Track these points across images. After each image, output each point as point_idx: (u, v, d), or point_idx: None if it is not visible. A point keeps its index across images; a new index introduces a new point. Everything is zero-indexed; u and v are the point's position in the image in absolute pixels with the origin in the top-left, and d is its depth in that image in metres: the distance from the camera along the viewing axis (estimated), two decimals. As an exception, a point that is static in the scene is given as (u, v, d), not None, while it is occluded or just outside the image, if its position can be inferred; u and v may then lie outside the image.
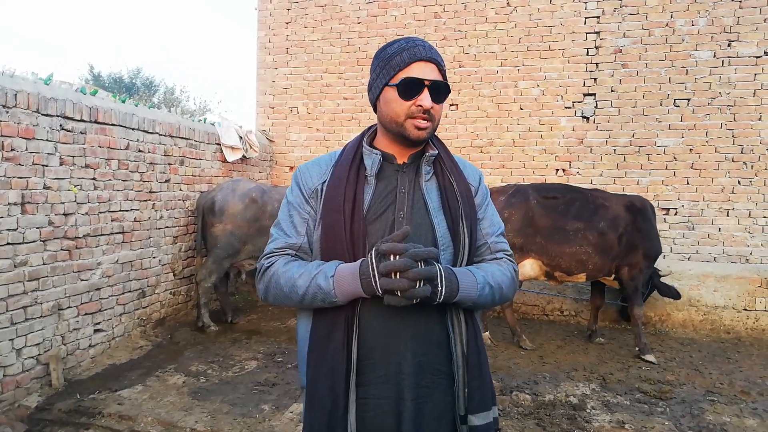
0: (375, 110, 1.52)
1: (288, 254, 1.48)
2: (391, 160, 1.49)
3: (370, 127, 1.58)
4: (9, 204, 3.62)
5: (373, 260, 1.29)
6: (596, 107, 6.49)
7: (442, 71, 1.45)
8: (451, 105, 6.87)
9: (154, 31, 52.58)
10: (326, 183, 1.47)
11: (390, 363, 1.39)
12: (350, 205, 1.40)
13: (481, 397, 1.43)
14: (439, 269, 1.31)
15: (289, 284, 1.40)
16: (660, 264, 5.77)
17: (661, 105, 6.30)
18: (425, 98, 1.39)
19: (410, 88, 1.39)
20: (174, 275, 5.51)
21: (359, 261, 1.33)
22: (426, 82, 1.39)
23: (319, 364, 1.40)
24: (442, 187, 1.49)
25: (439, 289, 1.30)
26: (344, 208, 1.40)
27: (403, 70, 1.40)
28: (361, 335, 1.38)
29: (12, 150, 3.63)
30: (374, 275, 1.28)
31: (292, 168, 7.54)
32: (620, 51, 6.38)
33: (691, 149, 6.23)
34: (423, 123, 1.41)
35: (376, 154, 1.46)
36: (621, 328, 5.56)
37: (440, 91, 1.42)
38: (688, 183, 6.20)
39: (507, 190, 5.01)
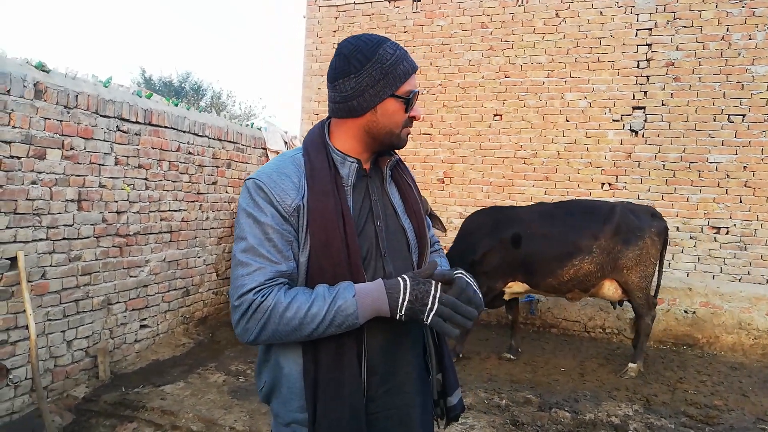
0: (355, 115, 1.35)
1: (281, 284, 1.27)
2: (360, 167, 1.41)
3: (322, 124, 1.44)
4: (66, 200, 3.77)
5: (434, 287, 1.25)
6: (646, 121, 6.33)
7: None
8: (495, 115, 6.82)
9: (199, 34, 54.08)
10: (306, 197, 1.31)
11: (399, 373, 1.41)
12: (341, 220, 1.30)
13: (453, 376, 1.52)
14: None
15: (299, 315, 1.22)
16: (710, 284, 5.59)
17: (714, 120, 6.11)
18: (419, 109, 1.40)
19: (413, 101, 1.37)
20: (217, 275, 5.63)
21: (379, 281, 1.28)
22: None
23: (332, 393, 1.29)
24: (402, 190, 1.49)
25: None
26: (338, 224, 1.29)
27: (407, 82, 1.34)
28: (368, 354, 1.34)
29: (71, 149, 3.79)
30: (432, 301, 1.25)
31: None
32: (672, 64, 6.22)
33: (745, 167, 6.01)
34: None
35: (352, 162, 1.37)
36: (666, 348, 5.39)
37: None
38: (741, 201, 5.98)
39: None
